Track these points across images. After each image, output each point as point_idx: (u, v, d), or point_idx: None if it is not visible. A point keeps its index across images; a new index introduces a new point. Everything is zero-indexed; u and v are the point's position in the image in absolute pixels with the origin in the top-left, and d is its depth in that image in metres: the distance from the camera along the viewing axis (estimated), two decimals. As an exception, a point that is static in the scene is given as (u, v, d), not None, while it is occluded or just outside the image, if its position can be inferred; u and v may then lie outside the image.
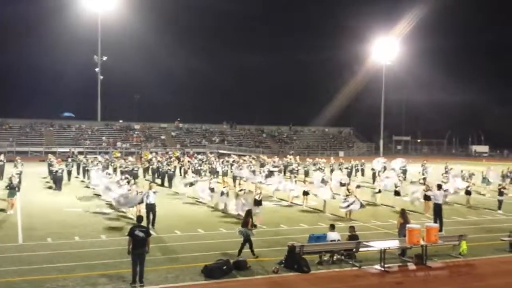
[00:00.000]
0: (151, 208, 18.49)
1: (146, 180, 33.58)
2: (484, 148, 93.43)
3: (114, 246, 15.77)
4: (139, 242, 12.01)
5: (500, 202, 24.36)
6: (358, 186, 27.12)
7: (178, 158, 42.54)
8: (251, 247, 14.68)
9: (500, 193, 24.59)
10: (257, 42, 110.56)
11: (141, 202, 19.35)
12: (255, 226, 15.54)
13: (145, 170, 37.32)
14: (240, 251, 14.56)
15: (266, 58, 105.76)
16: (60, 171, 29.99)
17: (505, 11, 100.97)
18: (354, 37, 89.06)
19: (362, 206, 21.01)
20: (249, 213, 15.29)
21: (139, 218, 13.19)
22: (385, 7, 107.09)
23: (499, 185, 25.87)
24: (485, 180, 31.72)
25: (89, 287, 11.92)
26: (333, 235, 15.07)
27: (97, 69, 74.14)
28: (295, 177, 33.40)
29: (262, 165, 37.72)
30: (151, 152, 50.24)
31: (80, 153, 52.31)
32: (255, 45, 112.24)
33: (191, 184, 26.18)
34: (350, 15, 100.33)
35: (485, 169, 33.28)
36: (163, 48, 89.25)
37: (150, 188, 19.09)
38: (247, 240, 14.70)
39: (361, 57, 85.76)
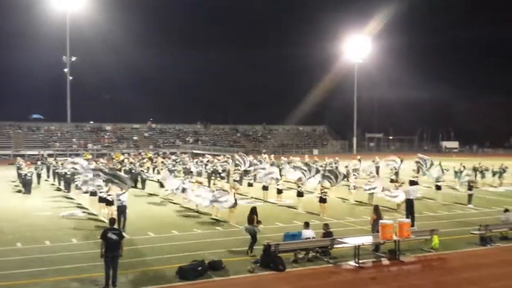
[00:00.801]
0: (122, 210, 18.22)
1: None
2: (454, 144, 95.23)
3: (86, 250, 15.53)
4: (112, 245, 11.83)
5: (470, 196, 24.83)
6: (330, 183, 27.30)
7: (151, 159, 42.10)
8: (252, 244, 14.95)
9: (470, 188, 25.06)
10: (230, 40, 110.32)
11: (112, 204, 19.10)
12: (260, 222, 15.78)
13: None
14: (250, 248, 14.90)
15: (240, 56, 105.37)
16: (29, 174, 29.39)
17: (473, 10, 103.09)
18: (327, 35, 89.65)
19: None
20: (253, 211, 15.62)
21: (112, 221, 13.00)
22: (357, 6, 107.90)
23: (469, 180, 26.36)
24: (457, 174, 32.25)
25: (61, 292, 11.69)
26: (308, 233, 15.13)
27: (66, 70, 72.88)
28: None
29: (236, 165, 37.59)
30: (123, 154, 49.65)
31: (50, 155, 51.25)
32: (228, 43, 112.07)
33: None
34: (323, 14, 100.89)
35: (457, 164, 33.91)
36: (134, 47, 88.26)
37: (121, 189, 18.83)
38: (253, 236, 15.05)
39: (333, 55, 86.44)
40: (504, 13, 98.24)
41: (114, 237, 11.91)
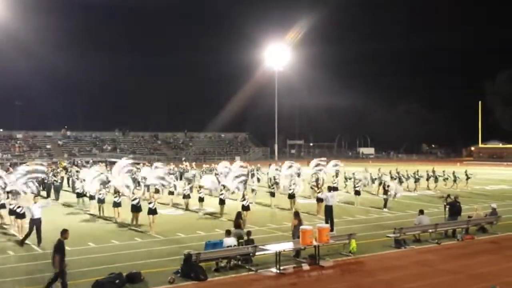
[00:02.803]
0: (36, 223, 17.17)
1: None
2: (370, 150, 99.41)
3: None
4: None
5: (385, 200, 25.82)
6: (253, 190, 27.48)
7: (65, 169, 40.26)
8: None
9: (385, 192, 26.08)
10: (151, 45, 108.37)
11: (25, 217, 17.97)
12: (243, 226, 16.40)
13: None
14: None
15: (161, 62, 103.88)
16: None
17: (388, 17, 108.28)
18: (248, 43, 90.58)
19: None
20: (239, 215, 16.45)
21: (62, 231, 12.33)
22: (277, 15, 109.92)
23: (383, 184, 27.40)
24: (374, 180, 33.46)
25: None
26: (229, 241, 14.99)
27: (-27, 74, 68.42)
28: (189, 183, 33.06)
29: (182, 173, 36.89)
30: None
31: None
32: (149, 48, 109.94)
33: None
34: (245, 21, 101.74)
35: (374, 170, 35.24)
36: (47, 51, 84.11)
37: (35, 201, 17.78)
38: (241, 239, 15.28)
39: (255, 62, 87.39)
40: (418, 21, 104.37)
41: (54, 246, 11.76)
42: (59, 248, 11.79)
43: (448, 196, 20.83)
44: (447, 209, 19.90)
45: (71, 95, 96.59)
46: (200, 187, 25.92)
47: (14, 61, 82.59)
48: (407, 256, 16.04)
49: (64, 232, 12.25)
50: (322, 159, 34.53)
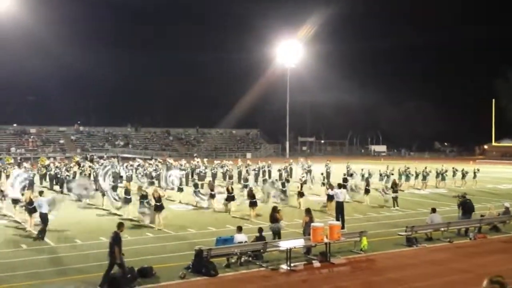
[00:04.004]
0: (44, 217, 17.35)
1: (43, 187, 31.64)
2: (382, 148, 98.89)
3: (6, 259, 14.68)
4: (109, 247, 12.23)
5: (394, 199, 25.70)
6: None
7: (78, 163, 40.55)
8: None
9: (395, 191, 25.96)
10: (164, 42, 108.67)
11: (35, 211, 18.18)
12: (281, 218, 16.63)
13: (42, 177, 35.19)
14: None
15: (173, 59, 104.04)
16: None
17: (400, 14, 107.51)
18: (260, 39, 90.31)
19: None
20: (274, 209, 16.47)
21: (118, 224, 13.01)
22: (289, 11, 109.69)
23: (393, 183, 27.28)
24: (382, 178, 33.36)
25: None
26: (240, 237, 15.03)
27: (-13, 70, 69.11)
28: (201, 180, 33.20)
29: (168, 169, 36.99)
30: (48, 158, 47.54)
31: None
32: (162, 45, 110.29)
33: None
34: (257, 18, 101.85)
35: (383, 167, 35.08)
36: (61, 47, 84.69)
37: (40, 196, 17.99)
38: (277, 234, 15.83)
39: (267, 59, 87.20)
40: (430, 18, 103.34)
41: (110, 240, 12.21)
42: (118, 240, 12.26)
43: (463, 195, 20.68)
44: (460, 208, 19.75)
45: (84, 91, 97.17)
46: (209, 183, 26.02)
47: (28, 56, 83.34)
48: (418, 254, 15.97)
49: (121, 225, 12.92)
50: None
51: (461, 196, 20.51)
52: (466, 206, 19.51)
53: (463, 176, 35.87)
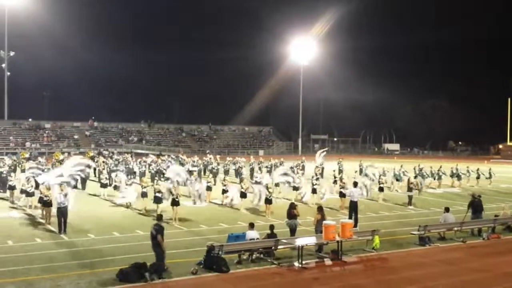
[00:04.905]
0: (62, 211, 17.53)
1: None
2: (396, 146, 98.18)
3: (22, 252, 14.85)
4: (151, 238, 12.83)
5: (410, 197, 25.55)
6: (277, 184, 27.43)
7: (92, 158, 40.83)
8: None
9: (410, 189, 25.80)
10: (177, 40, 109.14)
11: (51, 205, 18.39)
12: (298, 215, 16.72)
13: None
14: None
15: (186, 56, 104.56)
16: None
17: (416, 12, 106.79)
18: (274, 37, 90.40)
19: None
20: (293, 205, 16.48)
21: (159, 216, 13.93)
22: (303, 8, 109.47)
23: (408, 181, 27.10)
24: (398, 176, 33.07)
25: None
26: (252, 234, 15.05)
27: (3, 65, 69.79)
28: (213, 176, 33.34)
29: (181, 165, 37.11)
30: (63, 153, 47.91)
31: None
32: (175, 43, 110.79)
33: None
34: (270, 15, 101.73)
35: (397, 166, 34.84)
36: (76, 43, 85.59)
37: (61, 190, 18.13)
38: (294, 230, 15.93)
39: (280, 57, 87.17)
40: (445, 17, 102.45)
41: (152, 231, 12.80)
42: (161, 231, 12.87)
43: (474, 194, 20.46)
44: (470, 208, 19.54)
45: (98, 87, 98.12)
46: (224, 179, 26.09)
47: (43, 53, 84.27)
48: (431, 253, 15.86)
49: (161, 217, 13.87)
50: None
51: (472, 195, 20.25)
52: (475, 206, 19.28)
53: (478, 176, 35.53)
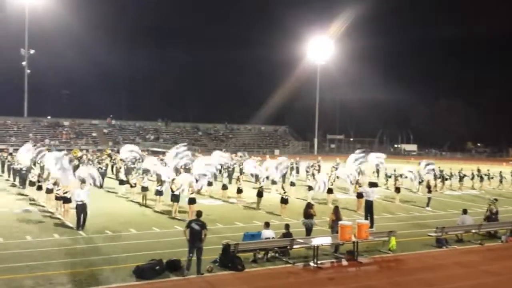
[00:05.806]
0: (82, 208, 17.74)
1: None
2: (413, 147, 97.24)
3: (40, 248, 15.05)
4: (194, 234, 12.75)
5: (429, 199, 25.32)
6: (292, 184, 27.45)
7: (110, 156, 41.23)
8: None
9: (429, 191, 25.57)
10: (194, 39, 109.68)
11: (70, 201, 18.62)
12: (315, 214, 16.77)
13: (75, 168, 35.83)
14: None
15: (203, 55, 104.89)
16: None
17: (433, 11, 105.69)
18: (291, 36, 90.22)
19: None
20: (309, 205, 16.58)
21: (198, 213, 13.62)
22: (320, 8, 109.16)
23: (428, 182, 26.88)
24: (415, 178, 32.70)
25: (11, 292, 11.27)
26: (267, 233, 15.08)
27: (24, 63, 70.80)
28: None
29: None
30: (81, 150, 48.42)
31: (0, 150, 49.49)
32: (193, 42, 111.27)
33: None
34: (287, 15, 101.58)
35: (414, 167, 34.52)
36: (95, 42, 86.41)
37: (81, 187, 18.35)
38: (310, 230, 16.01)
39: (297, 56, 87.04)
40: (463, 14, 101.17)
41: (196, 227, 12.78)
42: (205, 226, 13.05)
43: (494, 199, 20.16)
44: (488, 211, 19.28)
45: (117, 85, 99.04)
46: (239, 178, 26.15)
47: (63, 51, 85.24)
48: (448, 256, 15.72)
49: (201, 213, 13.65)
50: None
51: (490, 210, 19.71)
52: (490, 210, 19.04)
53: (501, 179, 35.06)
